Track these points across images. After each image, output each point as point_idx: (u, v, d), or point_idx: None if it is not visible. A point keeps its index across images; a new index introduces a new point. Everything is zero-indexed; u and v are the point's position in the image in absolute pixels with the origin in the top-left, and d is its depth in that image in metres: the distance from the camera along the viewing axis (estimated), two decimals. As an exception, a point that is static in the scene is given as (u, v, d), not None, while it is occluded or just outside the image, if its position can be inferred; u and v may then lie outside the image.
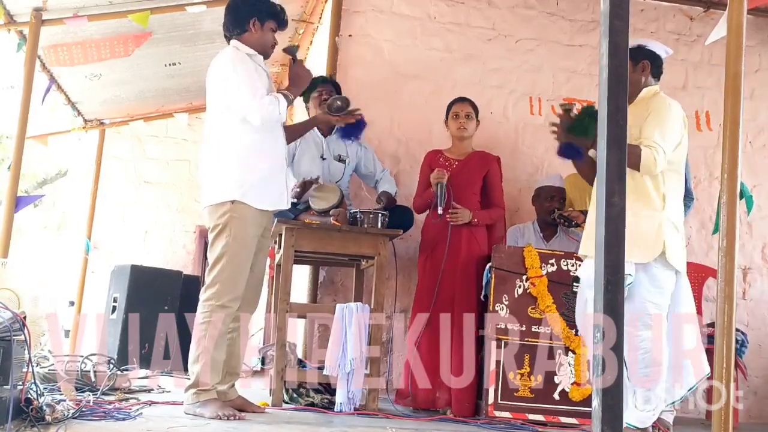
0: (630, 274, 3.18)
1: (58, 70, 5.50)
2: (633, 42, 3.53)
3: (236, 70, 3.34)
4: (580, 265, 3.96)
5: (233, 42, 3.49)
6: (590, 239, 3.38)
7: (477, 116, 4.46)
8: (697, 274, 5.18)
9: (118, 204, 7.87)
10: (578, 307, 3.58)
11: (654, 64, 3.55)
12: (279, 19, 3.51)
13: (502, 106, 5.19)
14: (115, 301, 5.59)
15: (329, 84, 4.58)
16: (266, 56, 3.55)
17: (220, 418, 3.13)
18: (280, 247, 4.06)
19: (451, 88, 4.90)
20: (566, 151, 3.63)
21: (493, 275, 3.93)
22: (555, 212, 4.41)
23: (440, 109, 4.59)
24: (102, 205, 7.44)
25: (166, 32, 5.05)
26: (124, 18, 4.56)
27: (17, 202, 4.34)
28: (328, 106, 3.97)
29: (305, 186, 4.12)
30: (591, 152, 3.55)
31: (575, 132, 3.49)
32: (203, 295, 3.35)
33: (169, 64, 5.47)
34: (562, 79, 5.30)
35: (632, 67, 3.45)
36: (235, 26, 3.48)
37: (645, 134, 3.31)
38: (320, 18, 5.70)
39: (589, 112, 3.48)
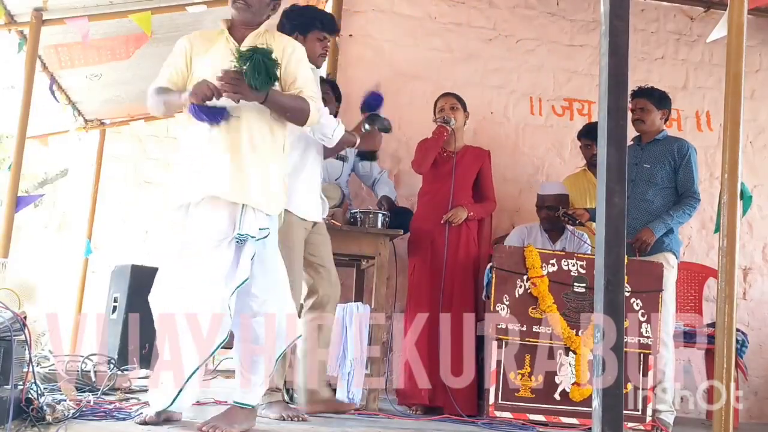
0: (268, 228, 2.95)
1: (59, 70, 5.50)
2: None
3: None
4: (581, 265, 3.96)
5: None
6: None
7: (465, 108, 4.42)
8: (698, 274, 5.19)
9: (118, 204, 7.86)
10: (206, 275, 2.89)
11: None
12: (321, 26, 3.57)
13: (502, 106, 5.20)
14: (115, 301, 5.57)
15: (326, 84, 4.57)
16: (316, 66, 3.61)
17: (284, 419, 3.26)
18: (280, 247, 4.05)
19: (451, 88, 4.88)
20: (205, 113, 2.94)
21: (494, 275, 3.93)
22: (560, 210, 4.40)
23: (441, 109, 4.59)
24: (102, 205, 7.43)
25: (166, 32, 5.04)
26: (124, 18, 4.56)
27: (17, 202, 4.34)
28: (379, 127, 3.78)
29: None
30: (252, 95, 2.92)
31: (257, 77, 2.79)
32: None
33: (170, 64, 5.46)
34: (563, 79, 5.31)
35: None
36: None
37: (301, 83, 3.00)
38: (321, 18, 5.69)
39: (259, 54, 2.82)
